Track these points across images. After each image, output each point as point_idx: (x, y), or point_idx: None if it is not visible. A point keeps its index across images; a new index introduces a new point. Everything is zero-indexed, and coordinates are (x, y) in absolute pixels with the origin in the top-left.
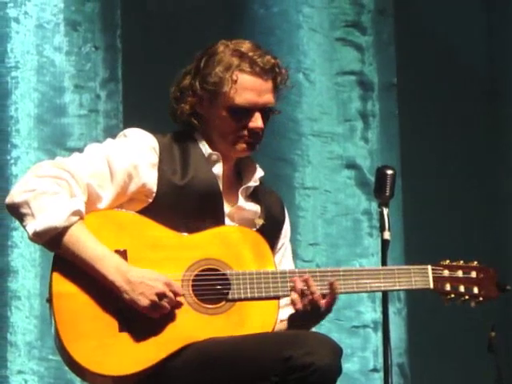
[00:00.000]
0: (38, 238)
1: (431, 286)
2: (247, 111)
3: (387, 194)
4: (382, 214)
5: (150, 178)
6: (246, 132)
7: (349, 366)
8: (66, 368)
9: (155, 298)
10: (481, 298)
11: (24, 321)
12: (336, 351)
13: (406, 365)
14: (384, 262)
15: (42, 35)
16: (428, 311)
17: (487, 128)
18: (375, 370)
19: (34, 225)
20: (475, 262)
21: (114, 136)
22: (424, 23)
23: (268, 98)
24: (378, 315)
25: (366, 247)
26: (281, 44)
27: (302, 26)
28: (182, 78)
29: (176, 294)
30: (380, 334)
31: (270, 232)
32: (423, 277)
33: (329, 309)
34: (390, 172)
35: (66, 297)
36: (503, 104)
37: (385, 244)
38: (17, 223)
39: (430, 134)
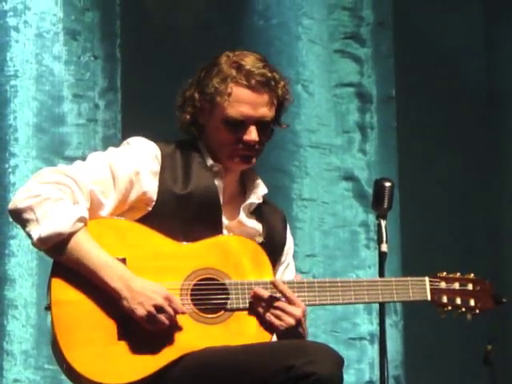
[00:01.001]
0: (42, 243)
1: (429, 297)
2: (242, 124)
3: (385, 206)
4: (379, 226)
5: (150, 187)
6: (241, 145)
7: (345, 377)
8: (62, 377)
9: (152, 310)
10: (477, 311)
11: (20, 330)
12: (338, 361)
13: (402, 377)
14: (381, 275)
15: (42, 44)
16: (424, 324)
17: (485, 140)
18: (371, 382)
19: (38, 230)
20: (471, 275)
21: (112, 145)
22: (423, 36)
23: (263, 111)
24: (375, 327)
25: (363, 259)
26: (280, 55)
27: (301, 38)
28: (187, 87)
29: (175, 311)
30: (376, 346)
31: (269, 251)
32: (421, 289)
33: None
34: (387, 184)
35: (65, 304)
36: (502, 116)
37: (382, 256)
38: (14, 232)
39: (428, 147)
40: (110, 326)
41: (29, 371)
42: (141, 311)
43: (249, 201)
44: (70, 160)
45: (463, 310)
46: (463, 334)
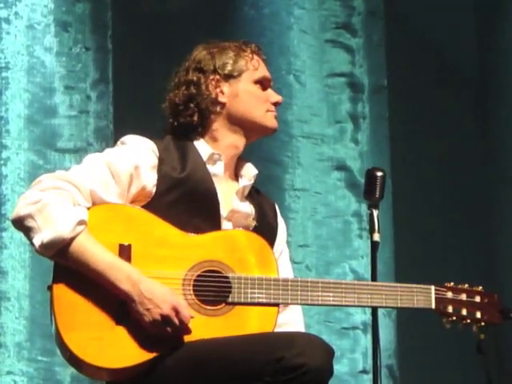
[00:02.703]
0: (46, 250)
1: (433, 306)
2: (266, 85)
3: (377, 195)
4: (371, 215)
5: (149, 181)
6: (271, 106)
7: (338, 367)
8: (56, 369)
9: (159, 319)
10: (483, 323)
11: (13, 322)
12: (328, 352)
13: (395, 366)
14: (374, 264)
15: (33, 36)
16: (417, 313)
17: (477, 130)
18: (364, 371)
19: (40, 237)
20: (480, 287)
21: (104, 137)
22: (414, 25)
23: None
24: (368, 317)
25: (356, 249)
26: (271, 45)
27: (292, 28)
28: (180, 90)
29: (182, 323)
30: (369, 335)
31: (263, 234)
32: (426, 297)
33: None
34: (379, 174)
35: (67, 286)
36: (494, 106)
37: (374, 246)
38: (6, 224)
39: (420, 137)
40: (109, 310)
41: (22, 363)
42: (147, 318)
43: (241, 185)
44: (62, 152)
45: (468, 321)
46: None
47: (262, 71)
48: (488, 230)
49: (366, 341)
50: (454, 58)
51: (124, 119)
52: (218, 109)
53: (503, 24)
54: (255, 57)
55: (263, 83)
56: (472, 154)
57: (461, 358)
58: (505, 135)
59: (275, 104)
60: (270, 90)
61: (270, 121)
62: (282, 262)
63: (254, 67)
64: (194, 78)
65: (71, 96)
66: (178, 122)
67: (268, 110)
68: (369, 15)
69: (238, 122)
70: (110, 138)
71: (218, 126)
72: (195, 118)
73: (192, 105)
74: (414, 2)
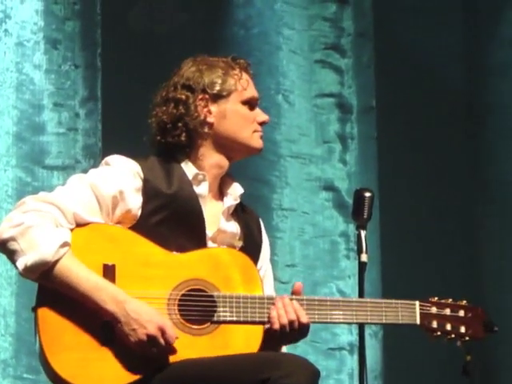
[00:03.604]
0: (29, 273)
1: (418, 322)
2: (253, 105)
3: (365, 216)
4: (359, 236)
5: (134, 204)
6: (258, 126)
7: None
8: None
9: (144, 339)
10: (467, 338)
11: None
12: (314, 374)
13: None
14: (361, 285)
15: (22, 53)
16: (404, 334)
17: (465, 148)
18: None
19: (23, 260)
20: (464, 301)
21: (92, 154)
22: (403, 47)
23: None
24: (354, 337)
25: (343, 269)
26: (260, 65)
27: (281, 48)
28: (168, 104)
29: (167, 343)
30: (356, 356)
31: (249, 253)
32: (410, 312)
33: (304, 333)
34: (367, 194)
35: (51, 307)
36: (481, 125)
37: (362, 266)
38: None
39: (409, 157)
40: (94, 331)
41: (7, 380)
42: (133, 339)
43: (227, 205)
44: (50, 169)
45: (453, 336)
46: (442, 345)
47: (251, 91)
48: (475, 248)
49: (352, 361)
50: (443, 78)
51: (113, 137)
52: (206, 129)
53: (491, 44)
54: (244, 75)
55: (251, 103)
56: (460, 173)
57: (447, 380)
58: (491, 152)
59: (262, 123)
60: (257, 110)
61: (256, 141)
62: (266, 280)
63: (242, 87)
64: (183, 97)
65: (60, 113)
66: (166, 141)
67: (255, 131)
68: (358, 36)
69: (225, 142)
70: (98, 155)
71: (204, 145)
72: (183, 138)
73: (180, 124)
74: (402, 23)
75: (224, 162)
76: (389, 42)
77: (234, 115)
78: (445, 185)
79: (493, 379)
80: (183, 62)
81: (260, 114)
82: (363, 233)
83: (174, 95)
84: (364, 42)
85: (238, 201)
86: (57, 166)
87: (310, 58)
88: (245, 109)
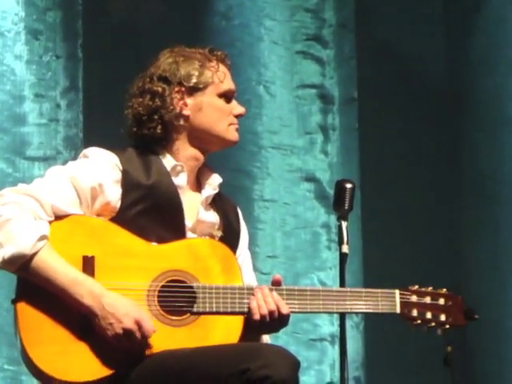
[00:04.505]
0: (7, 265)
1: (398, 310)
2: (230, 98)
3: (346, 207)
4: (340, 227)
5: (114, 196)
6: (234, 119)
7: (305, 379)
8: (23, 377)
9: (121, 333)
10: (447, 326)
11: None
12: (293, 364)
13: (363, 378)
14: (342, 276)
15: (3, 43)
16: (385, 325)
17: (446, 142)
18: (331, 383)
19: (1, 253)
20: (444, 290)
21: (73, 145)
22: (385, 38)
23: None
24: (336, 328)
25: (324, 260)
26: (241, 56)
27: (263, 39)
28: (144, 96)
29: (144, 336)
30: (337, 347)
31: (229, 243)
32: (390, 301)
33: (284, 323)
34: (349, 186)
35: (30, 301)
36: (462, 117)
37: (343, 257)
38: None
39: (390, 149)
40: (73, 324)
41: None
42: (110, 332)
43: (205, 195)
44: (32, 160)
45: (433, 324)
46: (423, 336)
47: (228, 84)
48: (455, 241)
49: (333, 352)
50: (424, 69)
51: (94, 128)
52: (182, 122)
53: (471, 36)
54: (221, 67)
55: (228, 96)
56: (441, 165)
57: (428, 370)
58: (473, 148)
59: (238, 116)
60: (233, 102)
61: (231, 134)
62: (245, 268)
63: (219, 80)
64: (159, 89)
65: (41, 104)
66: (142, 133)
67: (231, 124)
68: (340, 27)
69: (200, 135)
70: (79, 146)
71: (180, 138)
72: (158, 130)
73: (156, 117)
74: (384, 14)
75: (199, 155)
76: (370, 33)
77: (209, 108)
78: (425, 176)
79: (471, 367)
80: (160, 53)
81: (236, 107)
82: (344, 224)
83: (150, 87)
84: (346, 33)
85: (217, 190)
86: (38, 157)
87: (292, 49)
88: (221, 101)
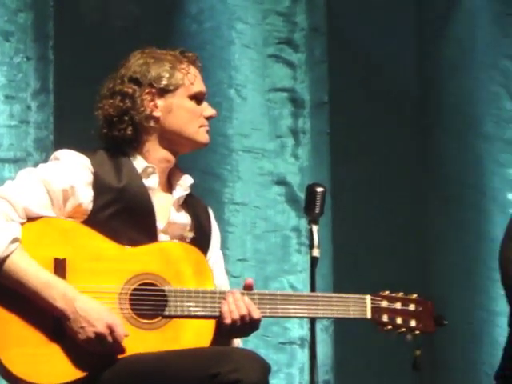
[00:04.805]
0: None
1: (369, 316)
2: (201, 100)
3: (317, 211)
4: (311, 231)
5: (85, 198)
6: (204, 121)
7: (275, 382)
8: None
9: (93, 337)
10: (417, 332)
11: None
12: (264, 368)
13: (332, 382)
14: (313, 280)
15: None
16: (355, 329)
17: (415, 146)
18: None
19: None
20: (414, 295)
21: (43, 147)
22: (356, 42)
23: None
24: (305, 332)
25: (295, 264)
26: (212, 59)
27: (234, 42)
28: (114, 97)
29: (115, 340)
30: (306, 350)
31: (200, 244)
32: (361, 306)
33: (255, 327)
34: (320, 189)
35: (2, 303)
36: (431, 122)
37: (314, 261)
38: None
39: (361, 152)
40: (44, 327)
41: None
42: (81, 336)
43: (176, 196)
44: (2, 161)
45: (403, 329)
46: (393, 340)
47: (198, 86)
48: (424, 244)
49: (302, 356)
50: (394, 75)
51: (65, 130)
52: (152, 123)
53: (440, 43)
54: (192, 69)
55: (198, 98)
56: (410, 169)
57: (397, 374)
58: (441, 152)
59: (209, 118)
60: (204, 104)
61: (202, 136)
62: (217, 269)
63: (189, 82)
64: (130, 91)
65: (11, 105)
66: (112, 134)
67: (201, 125)
68: (311, 31)
69: (171, 137)
70: (50, 148)
71: (151, 139)
72: (129, 131)
73: (126, 118)
74: (355, 18)
75: (170, 156)
76: (342, 37)
77: (180, 110)
78: (396, 181)
79: (440, 372)
80: (131, 54)
81: (207, 109)
82: (315, 227)
83: (120, 88)
84: (317, 37)
85: (188, 191)
86: (8, 159)
87: (263, 53)
88: (191, 103)
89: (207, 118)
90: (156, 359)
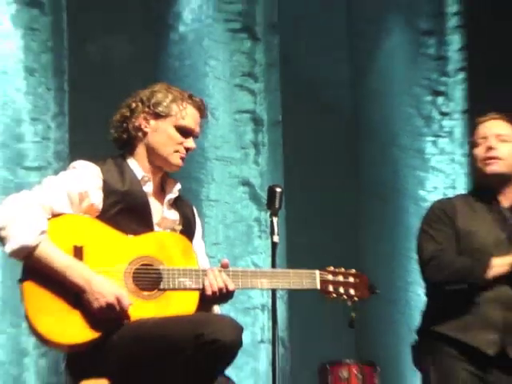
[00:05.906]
0: (15, 255)
1: (318, 287)
2: (187, 133)
3: (276, 206)
4: (272, 222)
5: (97, 199)
6: (182, 149)
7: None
8: (22, 338)
9: (104, 306)
10: (356, 298)
11: None
12: (238, 330)
13: (286, 338)
14: (273, 259)
15: (6, 79)
16: (304, 297)
17: (350, 156)
18: (262, 341)
19: (10, 245)
20: (353, 270)
21: (61, 159)
22: (304, 74)
23: (199, 130)
24: (266, 299)
25: (256, 247)
26: (191, 89)
27: (208, 75)
28: (123, 108)
29: (122, 309)
30: (266, 313)
31: (187, 234)
32: (312, 279)
33: (230, 297)
34: (278, 190)
35: (33, 281)
36: (364, 139)
37: (274, 245)
38: None
39: (308, 161)
40: (67, 299)
41: None
42: (95, 305)
43: (168, 197)
44: (29, 169)
45: (345, 297)
46: (335, 306)
47: (188, 122)
48: (357, 231)
49: (263, 318)
50: (333, 98)
51: (77, 144)
52: (140, 135)
53: (369, 71)
54: (190, 109)
55: (185, 132)
56: (347, 172)
57: (337, 332)
58: (368, 158)
59: (188, 149)
60: (189, 139)
61: (174, 159)
62: (199, 254)
63: (181, 116)
64: (134, 105)
65: (36, 126)
66: (114, 136)
67: (177, 151)
68: (268, 66)
69: (152, 153)
70: (66, 159)
71: (140, 151)
72: (124, 135)
73: (124, 124)
74: (303, 55)
75: (156, 169)
76: (292, 70)
77: (163, 133)
78: (334, 184)
79: (367, 329)
80: (157, 83)
81: (188, 142)
82: (275, 219)
83: (130, 103)
84: (272, 71)
85: (177, 194)
86: (33, 167)
87: (231, 83)
88: (175, 132)
89: (187, 150)
90: (153, 323)
